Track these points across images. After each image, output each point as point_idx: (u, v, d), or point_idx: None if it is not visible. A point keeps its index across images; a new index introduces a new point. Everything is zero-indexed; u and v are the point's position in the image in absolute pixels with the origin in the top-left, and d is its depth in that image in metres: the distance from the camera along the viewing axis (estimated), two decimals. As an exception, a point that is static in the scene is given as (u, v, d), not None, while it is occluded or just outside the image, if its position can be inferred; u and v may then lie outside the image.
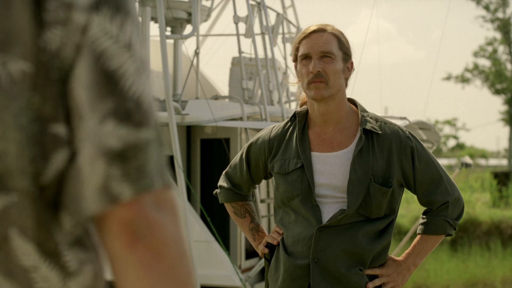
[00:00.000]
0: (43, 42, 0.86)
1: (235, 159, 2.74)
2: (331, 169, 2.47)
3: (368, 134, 2.49)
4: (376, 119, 2.54)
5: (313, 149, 2.51)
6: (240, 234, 6.86)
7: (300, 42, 2.53)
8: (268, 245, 2.64)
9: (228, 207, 2.81)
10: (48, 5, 0.86)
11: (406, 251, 2.60)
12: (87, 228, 0.94)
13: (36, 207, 0.88)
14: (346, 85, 2.56)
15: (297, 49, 2.54)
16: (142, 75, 0.90)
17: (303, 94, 2.63)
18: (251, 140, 2.68)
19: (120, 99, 0.87)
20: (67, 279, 0.90)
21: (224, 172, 2.79)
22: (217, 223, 6.48)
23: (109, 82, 0.87)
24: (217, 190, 2.81)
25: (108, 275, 0.98)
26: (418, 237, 2.60)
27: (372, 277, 2.50)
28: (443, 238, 2.65)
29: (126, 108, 0.88)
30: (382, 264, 2.53)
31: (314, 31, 2.51)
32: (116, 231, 0.87)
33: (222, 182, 2.78)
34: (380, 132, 2.49)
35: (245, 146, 2.70)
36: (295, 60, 2.56)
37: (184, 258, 0.89)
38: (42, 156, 0.87)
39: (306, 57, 2.49)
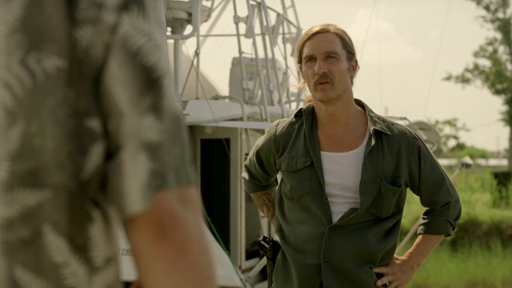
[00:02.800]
0: (75, 39, 0.87)
1: (251, 151, 2.75)
2: (342, 169, 2.48)
3: (377, 134, 2.50)
4: (383, 120, 2.56)
5: (322, 149, 2.52)
6: (240, 234, 6.86)
7: (304, 43, 2.53)
8: (270, 243, 2.64)
9: (253, 196, 2.85)
10: (80, 3, 0.88)
11: (409, 251, 2.62)
12: (112, 225, 0.95)
13: (70, 202, 0.89)
14: (352, 84, 2.57)
15: (301, 51, 2.54)
16: (168, 76, 0.93)
17: (309, 94, 2.63)
18: (259, 138, 2.69)
19: (159, 95, 0.90)
20: (92, 275, 0.91)
21: (244, 164, 2.82)
22: (217, 223, 6.48)
23: (148, 78, 0.90)
24: (243, 180, 2.84)
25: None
26: (420, 236, 2.62)
27: (379, 276, 2.52)
28: (443, 238, 2.66)
29: (164, 104, 0.90)
30: (388, 263, 2.54)
31: (317, 32, 2.52)
32: (143, 227, 0.89)
33: (243, 173, 2.81)
34: (389, 133, 2.51)
35: (255, 143, 2.71)
36: (299, 62, 2.56)
37: (206, 253, 0.92)
38: (79, 151, 0.88)
39: (311, 58, 2.50)
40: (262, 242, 2.66)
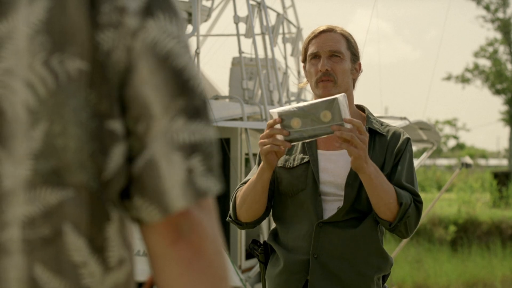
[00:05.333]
0: (97, 42, 0.89)
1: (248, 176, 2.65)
2: (335, 167, 2.51)
3: (372, 133, 2.53)
4: (381, 123, 2.60)
5: (319, 147, 2.54)
6: (240, 234, 6.87)
7: (309, 42, 2.57)
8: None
9: (241, 199, 2.54)
10: (102, 7, 0.89)
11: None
12: (127, 227, 0.96)
13: (91, 202, 0.90)
14: (354, 86, 2.60)
15: (306, 49, 2.58)
16: (198, 76, 0.94)
17: (311, 98, 2.66)
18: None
19: (190, 97, 0.92)
20: (105, 275, 0.92)
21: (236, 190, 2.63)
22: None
23: (179, 80, 0.92)
24: (230, 213, 2.58)
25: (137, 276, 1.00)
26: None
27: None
28: (401, 230, 2.43)
29: (195, 105, 0.92)
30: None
31: (323, 31, 2.56)
32: (160, 229, 0.91)
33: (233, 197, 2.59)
34: (384, 134, 2.55)
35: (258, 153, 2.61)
36: (304, 60, 2.60)
37: (221, 254, 0.93)
38: (101, 151, 0.90)
39: (315, 56, 2.54)
40: (252, 245, 2.65)
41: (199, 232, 0.91)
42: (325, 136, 2.31)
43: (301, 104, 2.32)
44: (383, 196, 2.37)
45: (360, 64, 2.60)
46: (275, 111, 2.32)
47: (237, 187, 2.62)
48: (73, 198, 0.89)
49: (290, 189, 2.51)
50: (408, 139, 2.56)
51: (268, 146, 2.33)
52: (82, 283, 0.90)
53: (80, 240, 0.89)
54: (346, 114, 2.27)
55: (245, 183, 2.59)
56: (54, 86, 0.87)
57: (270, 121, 2.33)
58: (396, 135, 2.55)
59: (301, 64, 2.64)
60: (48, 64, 0.87)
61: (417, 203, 2.46)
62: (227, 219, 2.62)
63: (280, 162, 2.56)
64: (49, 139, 0.87)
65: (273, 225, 2.68)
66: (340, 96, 2.26)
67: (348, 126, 2.27)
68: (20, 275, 0.88)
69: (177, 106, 0.91)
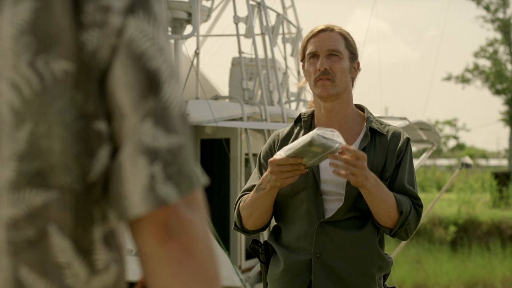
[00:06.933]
0: (82, 42, 0.88)
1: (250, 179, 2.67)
2: None
3: (372, 133, 2.54)
4: (381, 122, 2.61)
5: None
6: (240, 235, 6.87)
7: (308, 41, 2.58)
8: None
9: (244, 206, 2.55)
10: (86, 7, 0.89)
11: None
12: (116, 227, 0.95)
13: (77, 203, 0.90)
14: (353, 85, 2.60)
15: (305, 48, 2.58)
16: (173, 79, 0.93)
17: (311, 99, 2.66)
18: (262, 149, 2.68)
19: (158, 101, 0.90)
20: (91, 277, 0.92)
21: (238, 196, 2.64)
22: (217, 223, 6.48)
23: (151, 81, 0.90)
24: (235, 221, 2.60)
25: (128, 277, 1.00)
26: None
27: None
28: (399, 232, 2.46)
29: (163, 108, 0.91)
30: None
31: (321, 30, 2.56)
32: (150, 229, 0.90)
33: (237, 204, 2.59)
34: (384, 133, 2.55)
35: (258, 156, 2.67)
36: (302, 59, 2.60)
37: (212, 254, 0.93)
38: (87, 153, 0.89)
39: (314, 55, 2.54)
40: (253, 245, 2.66)
41: (189, 231, 0.90)
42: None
43: (290, 148, 2.30)
44: (383, 206, 2.39)
45: (358, 63, 2.60)
46: (282, 154, 2.32)
47: (240, 194, 2.61)
48: (58, 199, 0.88)
49: (291, 189, 2.51)
50: (408, 139, 2.57)
51: (290, 178, 2.33)
52: (65, 283, 0.89)
53: (65, 242, 0.89)
54: (333, 142, 2.26)
55: (247, 189, 2.59)
56: (39, 87, 0.87)
57: (291, 161, 2.30)
58: (396, 135, 2.56)
59: (301, 64, 2.64)
60: (33, 65, 0.86)
61: (417, 206, 2.48)
62: (233, 228, 2.62)
63: None
64: (34, 140, 0.87)
65: (273, 225, 2.68)
66: (314, 135, 2.24)
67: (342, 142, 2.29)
68: (6, 276, 0.87)
69: (145, 107, 0.90)
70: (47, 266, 0.88)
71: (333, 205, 2.48)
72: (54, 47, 0.87)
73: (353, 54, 2.57)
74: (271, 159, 2.35)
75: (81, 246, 0.90)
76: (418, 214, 2.48)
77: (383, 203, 2.39)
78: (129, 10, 0.90)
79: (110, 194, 0.91)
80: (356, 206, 2.47)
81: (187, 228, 0.90)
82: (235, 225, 2.59)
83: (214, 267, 0.93)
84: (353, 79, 2.59)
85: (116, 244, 0.95)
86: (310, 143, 2.23)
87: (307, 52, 2.56)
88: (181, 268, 0.90)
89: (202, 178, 0.94)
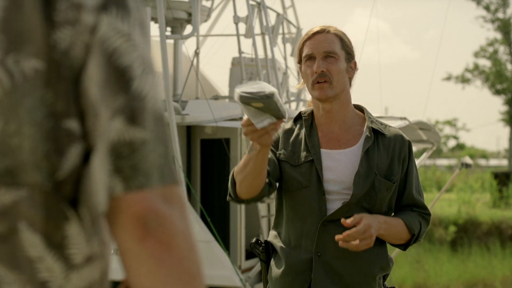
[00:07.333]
0: (53, 41, 0.88)
1: None
2: (339, 166, 2.52)
3: (374, 133, 2.55)
4: (381, 122, 2.63)
5: (322, 146, 2.56)
6: (240, 234, 6.87)
7: (304, 43, 2.59)
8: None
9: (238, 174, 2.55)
10: (58, 5, 0.88)
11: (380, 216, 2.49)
12: (98, 224, 0.95)
13: (47, 201, 0.89)
14: (351, 85, 2.61)
15: (301, 51, 2.60)
16: (149, 75, 0.92)
17: (310, 99, 2.67)
18: None
19: (129, 98, 0.90)
20: (69, 271, 0.92)
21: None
22: (217, 223, 6.48)
23: (121, 78, 0.90)
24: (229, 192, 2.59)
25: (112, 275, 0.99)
26: (394, 216, 2.55)
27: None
28: (412, 244, 2.59)
29: (134, 104, 0.90)
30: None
31: (317, 32, 2.57)
32: (127, 226, 0.90)
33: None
34: (385, 133, 2.57)
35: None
36: (299, 62, 2.61)
37: (193, 250, 0.92)
38: (56, 151, 0.89)
39: (310, 57, 2.55)
40: (254, 244, 2.66)
41: (167, 228, 0.90)
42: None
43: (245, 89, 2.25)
44: (396, 237, 2.54)
45: (355, 63, 2.61)
46: (240, 93, 2.26)
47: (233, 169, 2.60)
48: (27, 197, 0.88)
49: (294, 185, 2.52)
50: (410, 143, 2.60)
51: (265, 135, 2.34)
52: (38, 277, 0.89)
53: (35, 237, 0.89)
54: (262, 90, 2.21)
55: None
56: (9, 85, 0.86)
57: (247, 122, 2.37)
58: (398, 138, 2.57)
59: (298, 66, 2.65)
60: (3, 64, 0.86)
61: (426, 216, 2.59)
62: (227, 199, 2.58)
63: (284, 157, 2.57)
64: (4, 138, 0.87)
65: (274, 224, 2.68)
66: (237, 95, 2.24)
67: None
68: None
69: (115, 105, 0.89)
70: (18, 260, 0.88)
71: (335, 205, 2.49)
72: (25, 46, 0.87)
73: (349, 54, 2.58)
74: (242, 121, 2.37)
75: (52, 241, 0.90)
76: (427, 223, 2.59)
77: (395, 235, 2.53)
78: (102, 8, 0.90)
79: (83, 191, 0.91)
80: (361, 206, 2.49)
81: (165, 224, 0.90)
82: (229, 195, 2.56)
83: (195, 264, 0.92)
84: (350, 79, 2.59)
85: (99, 240, 0.95)
86: (241, 104, 2.26)
87: (304, 54, 2.57)
88: (160, 265, 0.89)
89: (173, 176, 0.93)
